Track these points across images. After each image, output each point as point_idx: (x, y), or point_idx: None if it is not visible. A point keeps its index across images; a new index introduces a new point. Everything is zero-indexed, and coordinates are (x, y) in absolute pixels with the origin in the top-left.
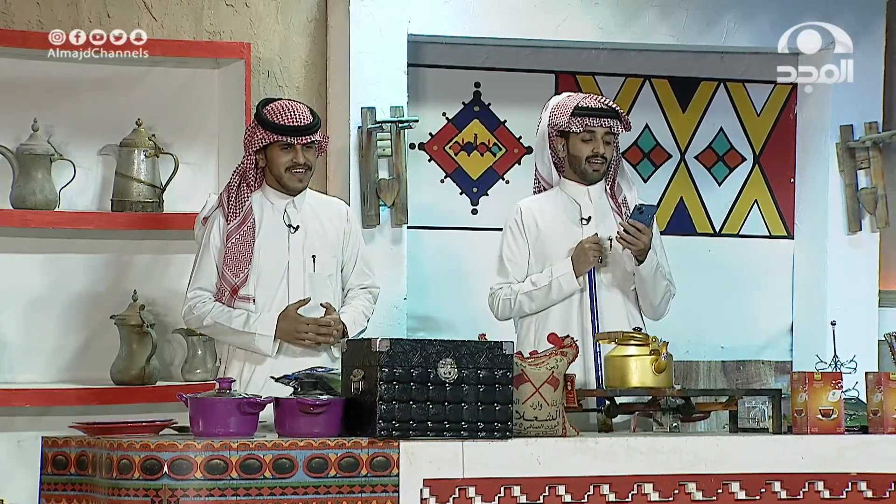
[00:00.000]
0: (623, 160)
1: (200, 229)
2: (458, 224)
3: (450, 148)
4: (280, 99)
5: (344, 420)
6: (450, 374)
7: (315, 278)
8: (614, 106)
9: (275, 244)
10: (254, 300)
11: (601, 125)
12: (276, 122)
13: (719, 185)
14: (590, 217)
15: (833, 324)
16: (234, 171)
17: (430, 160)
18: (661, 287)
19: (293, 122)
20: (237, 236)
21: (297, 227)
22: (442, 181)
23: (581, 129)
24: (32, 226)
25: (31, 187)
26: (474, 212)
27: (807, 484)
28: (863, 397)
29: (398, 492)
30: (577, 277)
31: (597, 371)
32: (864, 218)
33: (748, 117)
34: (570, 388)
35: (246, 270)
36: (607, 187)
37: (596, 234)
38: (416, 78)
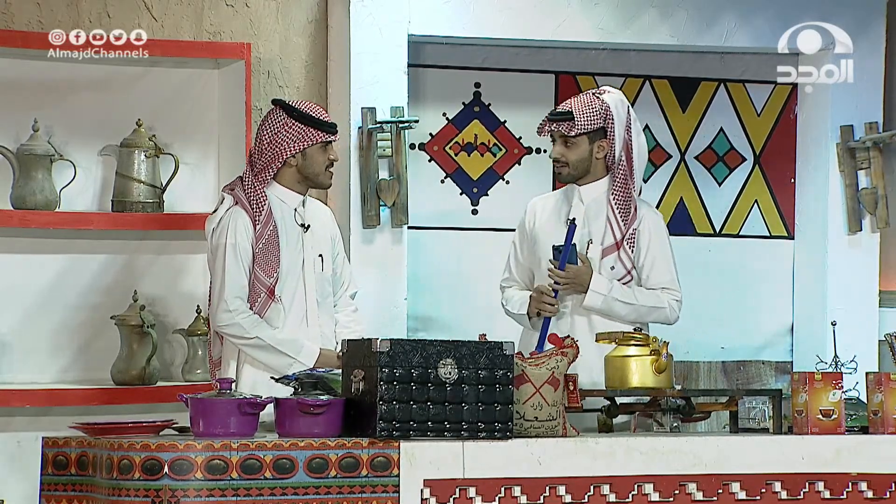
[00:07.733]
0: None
1: (216, 231)
2: (459, 224)
3: (450, 148)
4: (297, 100)
5: (344, 420)
6: (450, 374)
7: (323, 277)
8: (560, 108)
9: (293, 243)
10: (280, 300)
11: (549, 127)
12: (325, 119)
13: (719, 185)
14: (574, 219)
15: (833, 324)
16: (249, 170)
17: (430, 160)
18: (638, 310)
19: (330, 119)
20: (265, 236)
21: (309, 226)
22: (442, 181)
23: (546, 134)
24: (32, 226)
25: (32, 187)
26: (474, 212)
27: (807, 484)
28: (863, 397)
29: (398, 492)
30: (529, 320)
31: None
32: (864, 218)
33: (748, 117)
34: (572, 388)
35: (277, 270)
36: (612, 188)
37: (550, 287)
38: (416, 78)
